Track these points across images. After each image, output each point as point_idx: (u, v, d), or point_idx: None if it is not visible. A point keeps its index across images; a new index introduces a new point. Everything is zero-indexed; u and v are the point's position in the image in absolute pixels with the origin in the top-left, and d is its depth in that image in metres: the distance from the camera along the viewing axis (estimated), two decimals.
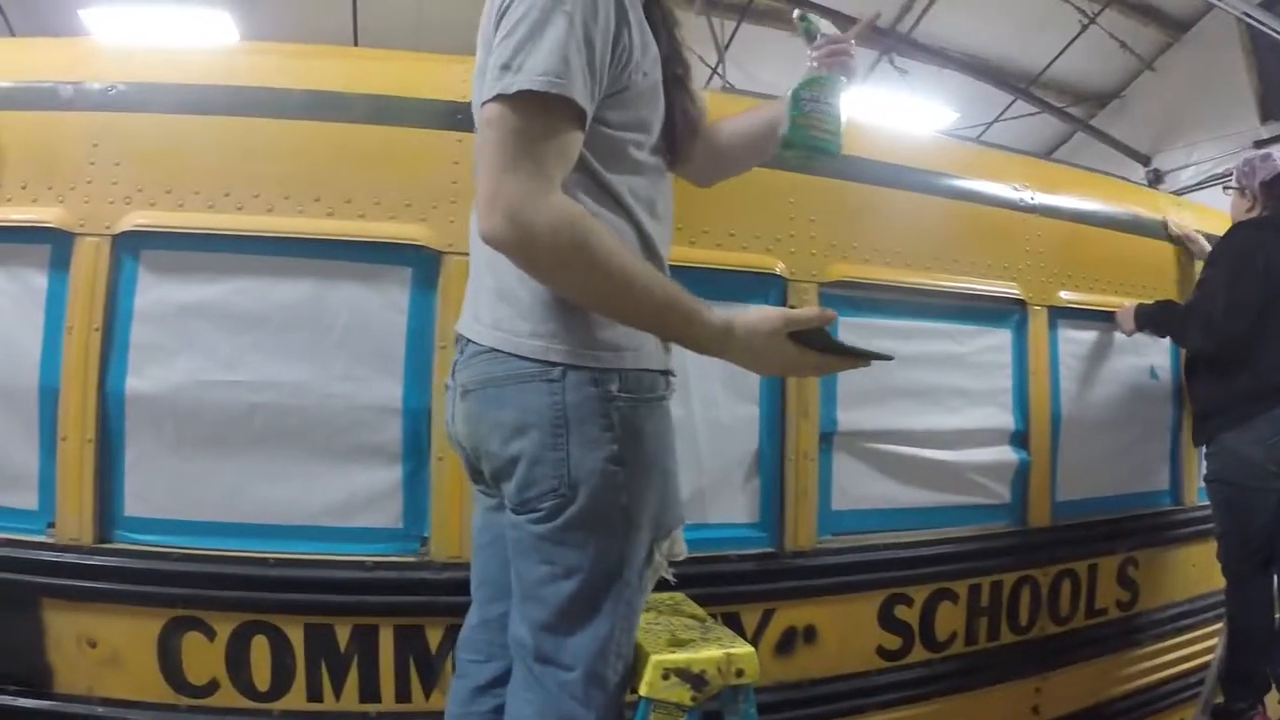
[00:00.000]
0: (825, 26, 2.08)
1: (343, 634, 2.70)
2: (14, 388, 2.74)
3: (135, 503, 2.73)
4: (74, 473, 2.69)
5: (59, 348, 2.71)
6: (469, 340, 1.86)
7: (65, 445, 2.70)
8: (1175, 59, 8.74)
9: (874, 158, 3.21)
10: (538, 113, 1.57)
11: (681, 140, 1.96)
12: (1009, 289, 3.51)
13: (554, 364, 1.72)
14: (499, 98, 1.58)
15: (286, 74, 2.82)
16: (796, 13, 2.15)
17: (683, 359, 1.89)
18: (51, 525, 2.72)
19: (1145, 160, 8.88)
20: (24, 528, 2.74)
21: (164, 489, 2.73)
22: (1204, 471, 3.94)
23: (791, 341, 1.69)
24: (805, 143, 2.01)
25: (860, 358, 1.80)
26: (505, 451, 1.76)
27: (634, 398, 1.77)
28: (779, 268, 3.03)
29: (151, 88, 2.78)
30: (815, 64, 2.05)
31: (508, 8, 1.64)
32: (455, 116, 2.71)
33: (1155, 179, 8.74)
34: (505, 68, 1.58)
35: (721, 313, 1.70)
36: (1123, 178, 8.72)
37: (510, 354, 1.75)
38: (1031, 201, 3.61)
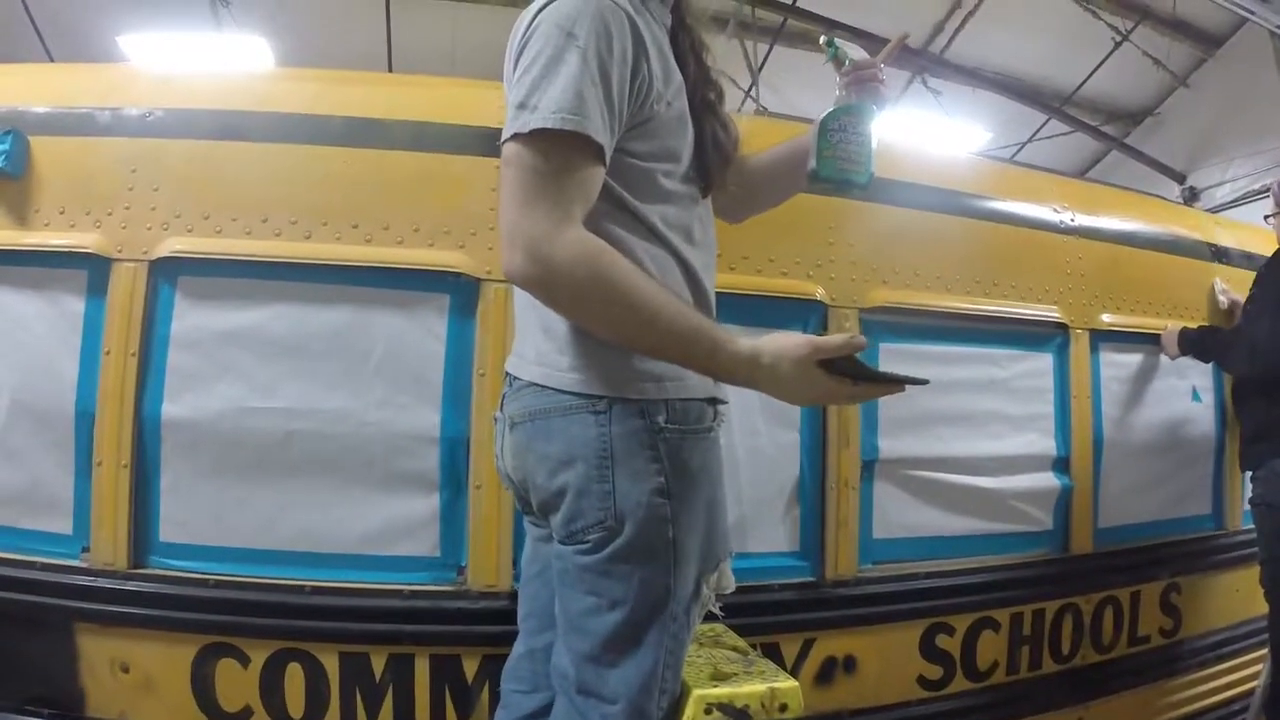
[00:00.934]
0: (854, 51, 2.04)
1: (378, 663, 2.68)
2: (50, 411, 2.75)
3: (170, 528, 2.73)
4: (109, 497, 2.69)
5: (95, 372, 2.72)
6: (514, 376, 1.85)
7: (100, 470, 2.69)
8: (1209, 75, 8.68)
9: (914, 180, 3.19)
10: (554, 150, 1.57)
11: (714, 166, 1.93)
12: (1050, 313, 3.47)
13: (599, 396, 1.70)
14: (516, 136, 1.59)
15: (324, 100, 2.82)
16: (824, 38, 2.09)
17: (724, 386, 1.86)
18: (86, 549, 2.72)
19: (1180, 177, 8.80)
20: (58, 551, 2.74)
21: (200, 515, 2.72)
22: (1249, 495, 3.86)
23: (822, 370, 1.65)
24: (834, 176, 1.97)
25: (894, 383, 1.72)
26: (552, 484, 1.75)
27: (681, 429, 1.75)
28: (819, 293, 3.00)
29: (189, 113, 2.79)
30: (844, 92, 2.00)
31: (523, 47, 1.65)
32: (493, 143, 2.66)
33: (1190, 196, 8.66)
34: (521, 106, 1.60)
35: (749, 342, 1.65)
36: (1160, 196, 8.71)
37: (553, 389, 1.74)
38: (1072, 223, 3.57)
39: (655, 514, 1.71)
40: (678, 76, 1.83)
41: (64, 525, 2.75)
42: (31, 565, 2.71)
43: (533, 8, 1.70)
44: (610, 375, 1.72)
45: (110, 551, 2.68)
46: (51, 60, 7.75)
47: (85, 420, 2.71)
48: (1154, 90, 9.05)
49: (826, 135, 1.97)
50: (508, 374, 1.90)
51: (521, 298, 1.87)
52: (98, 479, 2.70)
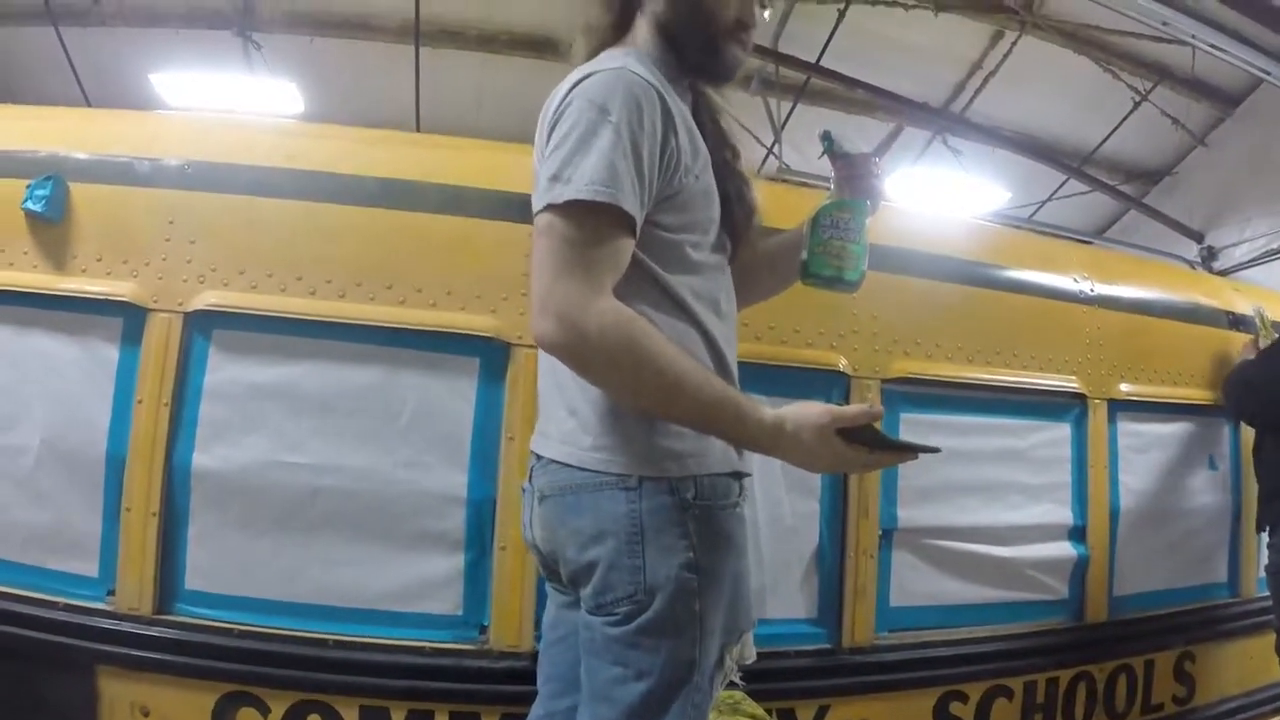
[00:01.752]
0: (850, 145, 2.00)
1: (398, 718, 2.70)
2: (80, 455, 2.79)
3: (196, 576, 2.76)
4: (137, 543, 2.72)
5: (128, 419, 2.76)
6: (539, 454, 1.87)
7: (129, 516, 2.73)
8: (1227, 134, 8.68)
9: (936, 252, 3.22)
10: (587, 221, 1.60)
11: (740, 223, 1.97)
12: (1069, 383, 3.50)
13: (627, 474, 1.73)
14: (549, 207, 1.62)
15: (360, 160, 2.88)
16: (821, 131, 2.04)
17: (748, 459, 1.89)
18: (111, 593, 2.75)
19: (1199, 237, 8.78)
20: (83, 593, 2.77)
21: (226, 565, 2.76)
22: (1265, 562, 3.86)
23: (841, 438, 1.68)
24: (823, 272, 1.94)
25: (908, 451, 1.77)
26: (582, 557, 1.77)
27: (709, 505, 1.77)
28: (842, 364, 3.04)
29: (227, 168, 2.85)
30: (838, 186, 1.97)
31: (557, 121, 1.69)
32: (525, 209, 2.70)
33: (1209, 255, 8.63)
34: (555, 179, 1.62)
35: (773, 411, 1.67)
36: (1178, 256, 8.74)
37: (576, 467, 1.77)
38: (1091, 293, 3.60)
39: (684, 588, 1.72)
40: (704, 150, 1.86)
41: (90, 568, 2.78)
42: (56, 605, 2.75)
43: (566, 84, 1.74)
44: (636, 455, 1.74)
45: (136, 596, 2.72)
46: (86, 96, 7.83)
47: (116, 466, 2.75)
48: (1172, 149, 9.04)
49: (818, 230, 1.94)
50: (533, 451, 1.93)
51: (546, 377, 1.90)
52: (126, 524, 2.73)
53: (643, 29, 1.87)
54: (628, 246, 1.66)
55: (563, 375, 1.75)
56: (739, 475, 1.87)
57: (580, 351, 1.61)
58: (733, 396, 1.67)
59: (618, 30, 1.89)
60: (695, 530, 1.74)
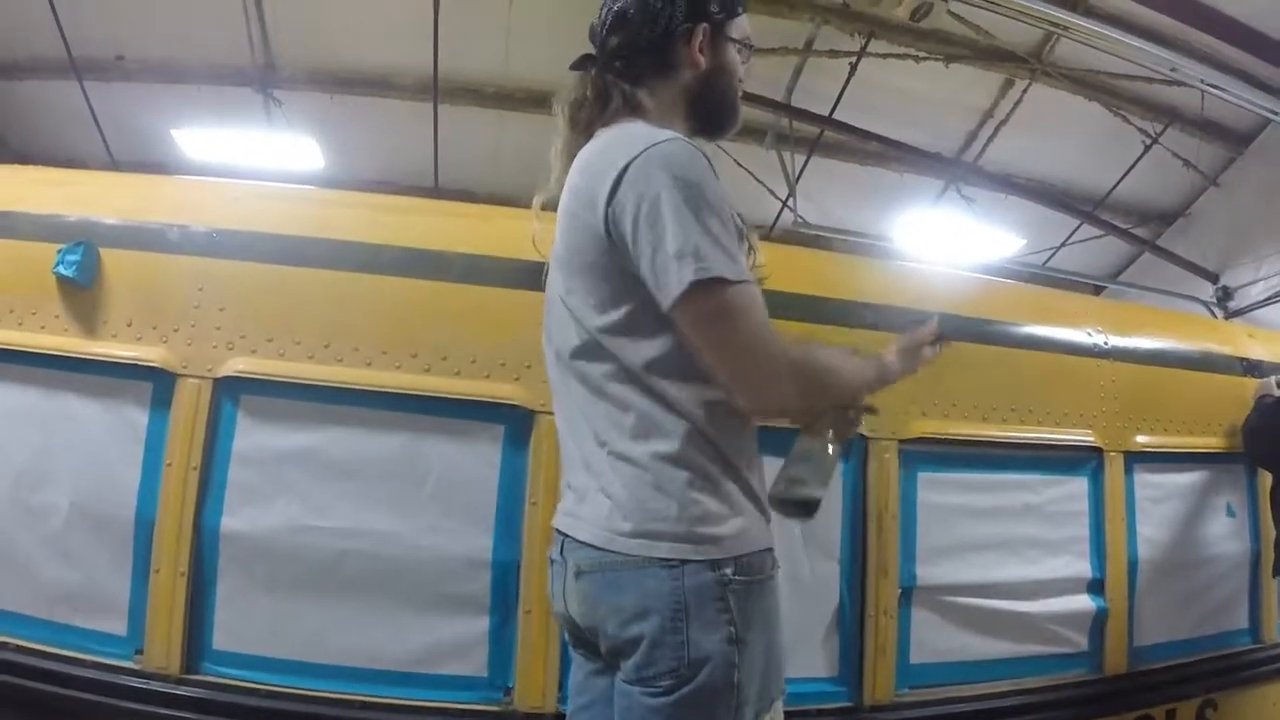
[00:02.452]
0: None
1: None
2: (109, 516, 2.83)
3: (224, 637, 2.80)
4: (165, 603, 2.76)
5: (157, 482, 2.80)
6: (568, 535, 1.90)
7: (158, 576, 2.77)
8: (1239, 173, 8.68)
9: (952, 311, 3.24)
10: (734, 293, 1.70)
11: None
12: (1084, 437, 3.52)
13: (671, 558, 1.77)
14: (700, 286, 1.67)
15: (385, 229, 2.95)
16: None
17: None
18: (139, 652, 2.78)
19: (1213, 277, 8.76)
20: (111, 651, 2.81)
21: (253, 626, 2.79)
22: None
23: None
24: (784, 494, 1.95)
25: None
26: (624, 633, 1.80)
27: (747, 580, 1.80)
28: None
29: (256, 236, 2.91)
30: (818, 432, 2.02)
31: (638, 189, 1.72)
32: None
33: (1224, 296, 8.61)
34: (684, 256, 1.68)
35: (882, 355, 2.04)
36: (1193, 297, 8.72)
37: (616, 552, 1.80)
38: (1106, 346, 3.63)
39: (724, 660, 1.75)
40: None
41: (118, 626, 2.82)
42: (84, 663, 2.78)
43: (628, 147, 1.76)
44: (678, 540, 1.77)
45: (164, 655, 2.75)
46: (108, 150, 7.98)
47: (145, 527, 2.80)
48: (1185, 190, 9.04)
49: (791, 461, 1.99)
50: (559, 530, 1.95)
51: (572, 457, 1.95)
52: (155, 584, 2.77)
53: (666, 98, 1.96)
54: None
55: (592, 456, 1.82)
56: (772, 550, 1.91)
57: (810, 392, 1.84)
58: (870, 359, 2.01)
59: (629, 104, 1.96)
60: (735, 605, 1.77)
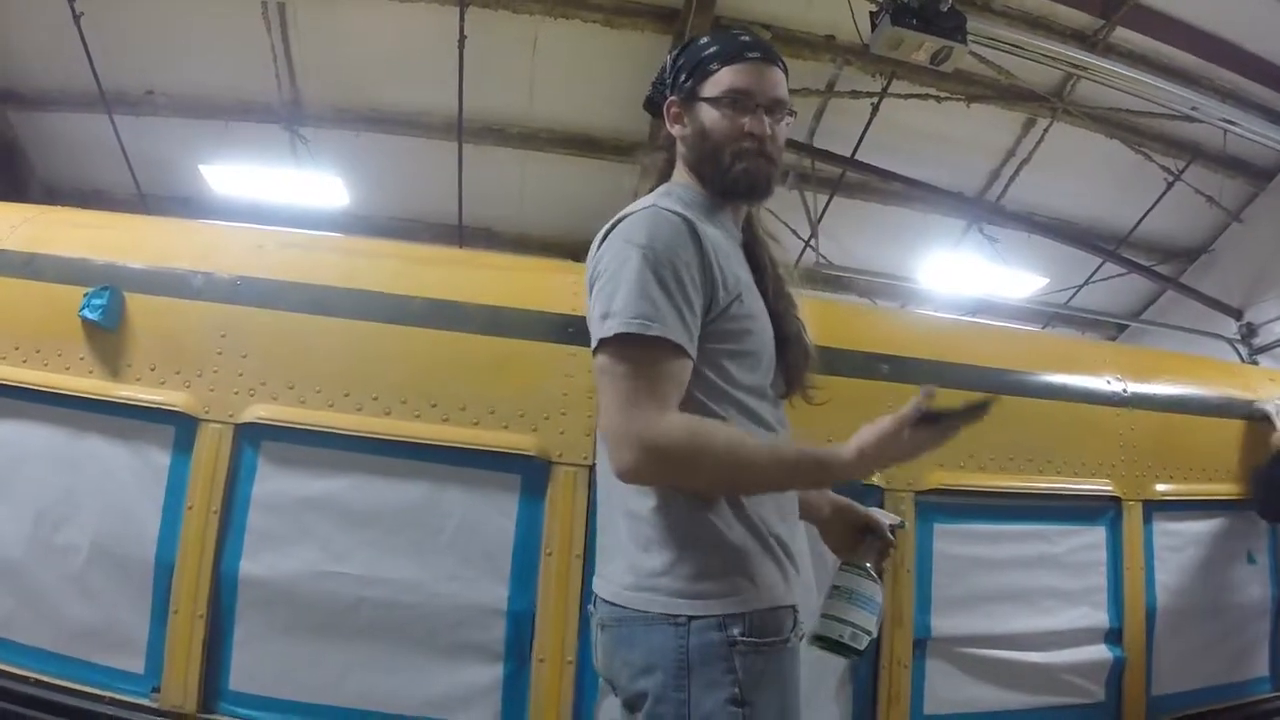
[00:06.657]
0: (883, 516, 2.15)
1: None
2: (130, 557, 2.87)
3: (241, 678, 2.83)
4: (183, 644, 2.79)
5: (177, 525, 2.84)
6: (596, 593, 1.95)
7: (176, 617, 2.80)
8: (1262, 209, 8.64)
9: (969, 362, 3.26)
10: (638, 352, 1.72)
11: (797, 368, 2.05)
12: (1103, 486, 3.50)
13: (677, 614, 1.78)
14: (602, 343, 1.75)
15: (407, 280, 2.99)
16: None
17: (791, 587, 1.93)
18: (156, 690, 2.80)
19: (1237, 314, 8.70)
20: (129, 689, 2.84)
21: (270, 668, 2.82)
22: None
23: (914, 430, 1.77)
24: (828, 634, 1.99)
25: (974, 411, 1.82)
26: (633, 687, 1.82)
27: (756, 642, 1.80)
28: (876, 478, 3.06)
29: (279, 285, 2.96)
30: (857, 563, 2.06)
31: (598, 262, 1.83)
32: (567, 330, 2.85)
33: (1248, 332, 8.56)
34: (605, 316, 1.75)
35: (846, 445, 1.78)
36: (1217, 335, 8.65)
37: (623, 606, 1.82)
38: (1125, 394, 3.62)
39: None
40: (747, 277, 1.95)
41: (136, 665, 2.85)
42: (102, 699, 2.81)
43: (605, 228, 1.88)
44: (681, 596, 1.79)
45: (181, 695, 2.77)
46: (136, 183, 8.09)
47: (164, 569, 2.83)
48: (1208, 227, 9.00)
49: (833, 595, 2.02)
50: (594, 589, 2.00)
51: (602, 517, 1.99)
52: (173, 625, 2.80)
53: (679, 167, 2.02)
54: (684, 366, 1.77)
55: (610, 514, 1.89)
56: (793, 609, 1.91)
57: (663, 467, 1.73)
58: (807, 452, 1.81)
59: (669, 167, 2.05)
60: (741, 665, 1.78)
